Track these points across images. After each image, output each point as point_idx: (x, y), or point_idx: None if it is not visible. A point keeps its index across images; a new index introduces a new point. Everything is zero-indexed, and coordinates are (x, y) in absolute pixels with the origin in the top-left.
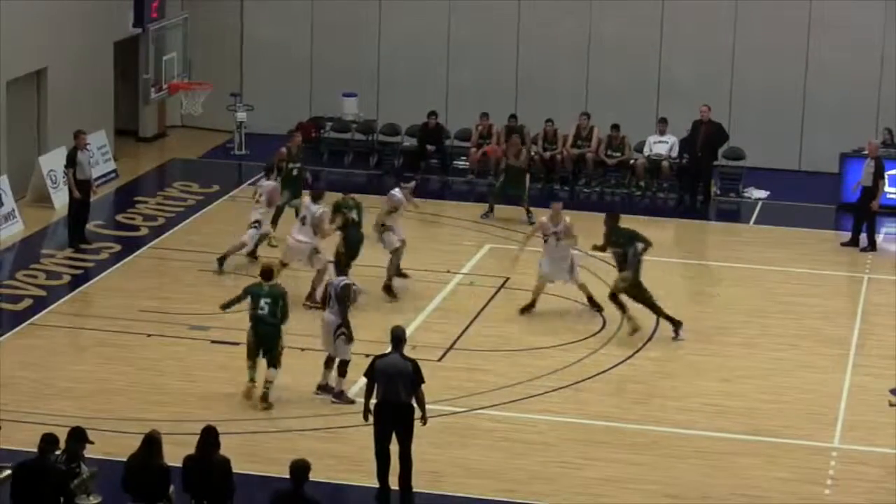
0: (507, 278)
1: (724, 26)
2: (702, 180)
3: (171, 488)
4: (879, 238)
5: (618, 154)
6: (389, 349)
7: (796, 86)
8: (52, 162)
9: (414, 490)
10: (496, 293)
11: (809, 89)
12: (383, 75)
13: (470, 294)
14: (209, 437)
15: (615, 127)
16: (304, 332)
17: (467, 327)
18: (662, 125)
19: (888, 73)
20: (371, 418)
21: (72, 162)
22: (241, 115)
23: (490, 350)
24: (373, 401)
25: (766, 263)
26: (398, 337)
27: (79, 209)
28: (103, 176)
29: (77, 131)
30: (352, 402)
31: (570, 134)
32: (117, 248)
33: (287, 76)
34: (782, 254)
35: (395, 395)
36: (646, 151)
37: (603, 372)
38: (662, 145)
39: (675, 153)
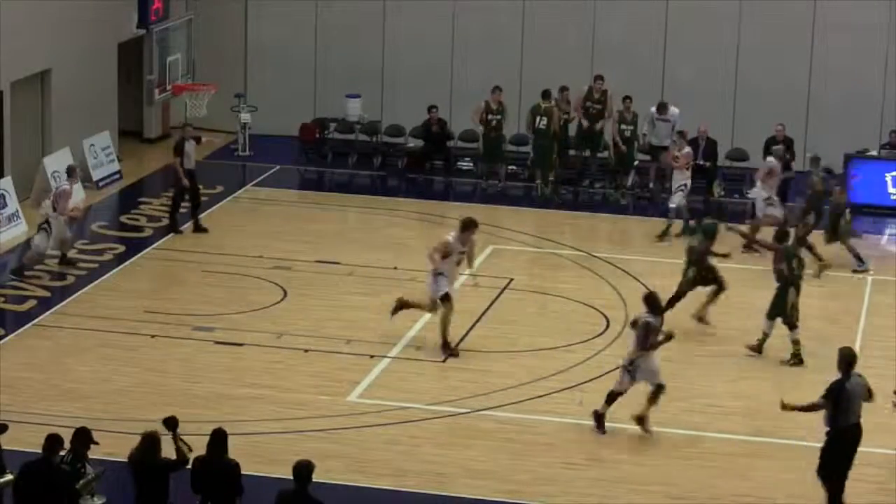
0: (511, 279)
1: (727, 27)
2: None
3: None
4: (883, 239)
5: (631, 127)
6: (843, 370)
7: (800, 86)
8: (56, 163)
9: (417, 491)
10: (500, 294)
11: (814, 90)
12: (387, 76)
13: (474, 295)
14: (217, 439)
15: (627, 98)
16: (306, 332)
17: (471, 328)
18: (663, 110)
19: (892, 74)
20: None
21: (178, 149)
22: (245, 116)
23: (494, 351)
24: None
25: (770, 264)
26: (852, 357)
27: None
28: (107, 177)
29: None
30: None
31: (580, 96)
32: (121, 248)
33: (291, 77)
34: None
35: (857, 416)
36: (646, 130)
37: (607, 373)
38: (664, 124)
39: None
